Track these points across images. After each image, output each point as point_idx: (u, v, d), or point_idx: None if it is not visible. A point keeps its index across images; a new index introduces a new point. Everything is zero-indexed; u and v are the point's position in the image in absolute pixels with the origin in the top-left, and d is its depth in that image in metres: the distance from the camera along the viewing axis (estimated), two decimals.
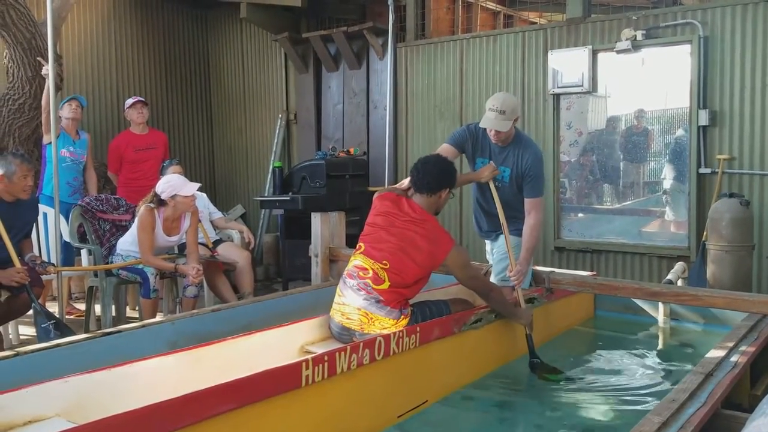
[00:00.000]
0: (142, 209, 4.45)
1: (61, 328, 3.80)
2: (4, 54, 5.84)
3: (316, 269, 4.88)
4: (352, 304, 3.18)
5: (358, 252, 3.29)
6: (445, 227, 3.67)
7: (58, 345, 3.03)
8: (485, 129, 3.75)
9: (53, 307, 5.17)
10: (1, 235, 3.91)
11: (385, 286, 3.13)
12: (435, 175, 3.26)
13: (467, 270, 3.36)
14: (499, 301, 3.50)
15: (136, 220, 4.51)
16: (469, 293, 4.19)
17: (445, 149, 3.80)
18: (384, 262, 3.15)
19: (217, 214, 5.55)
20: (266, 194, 7.29)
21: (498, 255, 3.96)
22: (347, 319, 3.19)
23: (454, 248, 3.22)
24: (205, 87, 8.26)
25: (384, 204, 3.34)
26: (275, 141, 7.60)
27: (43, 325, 3.79)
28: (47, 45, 4.69)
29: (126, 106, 5.91)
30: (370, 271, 3.16)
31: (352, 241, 4.23)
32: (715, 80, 5.05)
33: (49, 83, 4.46)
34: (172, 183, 4.43)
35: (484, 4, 7.61)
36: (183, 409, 2.11)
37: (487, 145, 3.84)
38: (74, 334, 3.61)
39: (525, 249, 3.76)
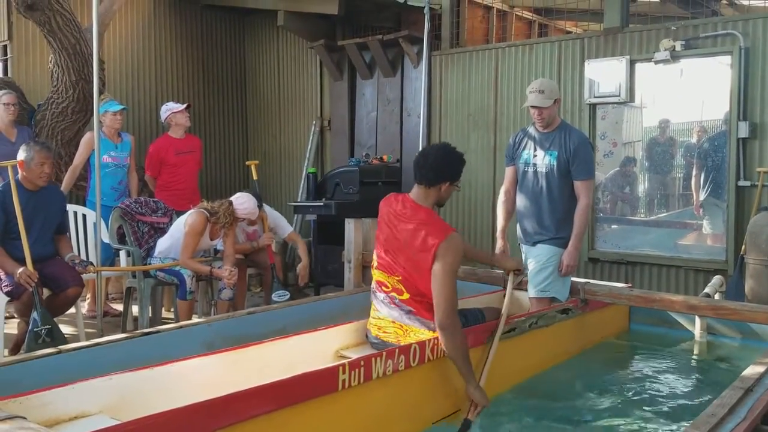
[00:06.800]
0: (195, 214, 4.52)
1: (54, 335, 3.72)
2: (50, 59, 6.00)
3: (349, 275, 4.91)
4: (387, 317, 3.18)
5: (374, 267, 3.25)
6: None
7: (98, 344, 3.10)
8: (527, 128, 4.02)
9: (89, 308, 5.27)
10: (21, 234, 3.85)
11: (406, 296, 3.10)
12: (434, 168, 3.10)
13: (446, 273, 2.91)
14: (457, 347, 2.90)
15: (183, 222, 4.57)
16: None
17: (506, 173, 4.14)
18: (397, 275, 3.11)
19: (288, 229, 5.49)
20: (300, 200, 7.35)
21: (537, 265, 3.90)
22: (383, 332, 3.19)
23: (447, 238, 2.93)
24: (241, 93, 8.38)
25: (383, 210, 3.25)
26: (309, 147, 7.67)
27: (35, 330, 3.70)
28: (91, 50, 4.81)
29: (172, 110, 5.77)
30: (390, 286, 3.14)
31: None
32: (756, 92, 4.97)
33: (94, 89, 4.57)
34: (252, 210, 4.75)
35: (519, 14, 7.60)
36: (225, 408, 2.15)
37: (530, 138, 3.98)
38: (66, 342, 3.58)
39: (575, 235, 3.83)
